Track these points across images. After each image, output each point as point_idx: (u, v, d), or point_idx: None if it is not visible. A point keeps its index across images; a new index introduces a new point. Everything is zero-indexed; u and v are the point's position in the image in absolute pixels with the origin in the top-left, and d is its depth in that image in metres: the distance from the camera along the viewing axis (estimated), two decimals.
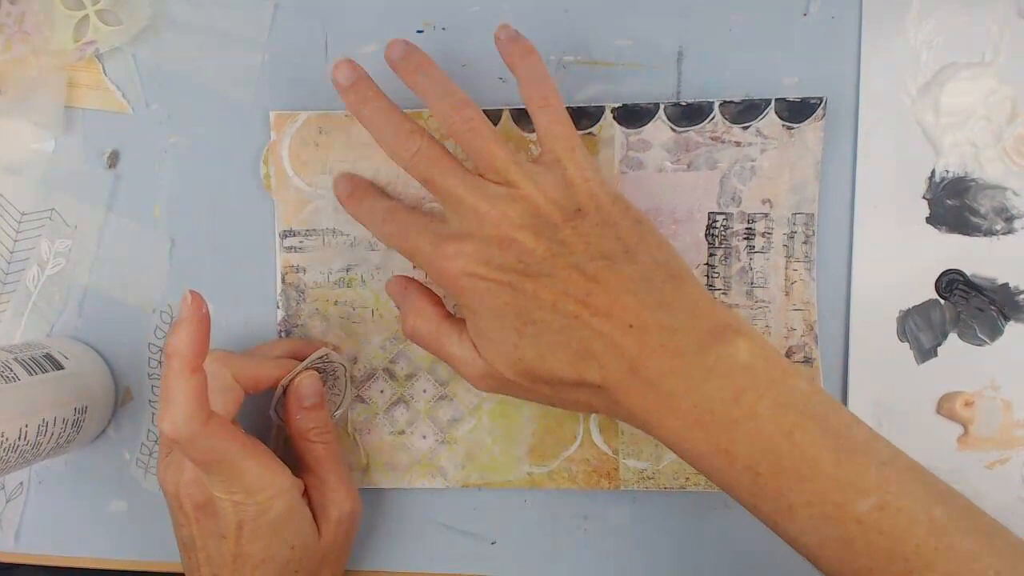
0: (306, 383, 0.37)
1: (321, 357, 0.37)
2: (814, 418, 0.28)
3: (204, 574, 0.35)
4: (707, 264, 0.39)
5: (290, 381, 0.37)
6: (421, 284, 0.37)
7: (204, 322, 0.31)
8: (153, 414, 0.42)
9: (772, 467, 0.27)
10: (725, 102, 0.38)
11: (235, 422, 0.35)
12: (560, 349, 0.30)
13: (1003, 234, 0.38)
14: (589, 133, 0.38)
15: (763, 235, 0.38)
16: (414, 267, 0.39)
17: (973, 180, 0.38)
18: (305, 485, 0.36)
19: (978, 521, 0.27)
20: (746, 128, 0.38)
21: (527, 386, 0.32)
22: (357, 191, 0.38)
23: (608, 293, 0.29)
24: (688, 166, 0.38)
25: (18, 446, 0.35)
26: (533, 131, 0.38)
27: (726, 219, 0.38)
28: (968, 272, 0.38)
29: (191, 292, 0.31)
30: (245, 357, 0.37)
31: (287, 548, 0.34)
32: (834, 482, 0.27)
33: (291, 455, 0.38)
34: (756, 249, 0.38)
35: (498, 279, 0.30)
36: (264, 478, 0.34)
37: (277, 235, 0.40)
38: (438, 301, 0.36)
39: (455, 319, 0.35)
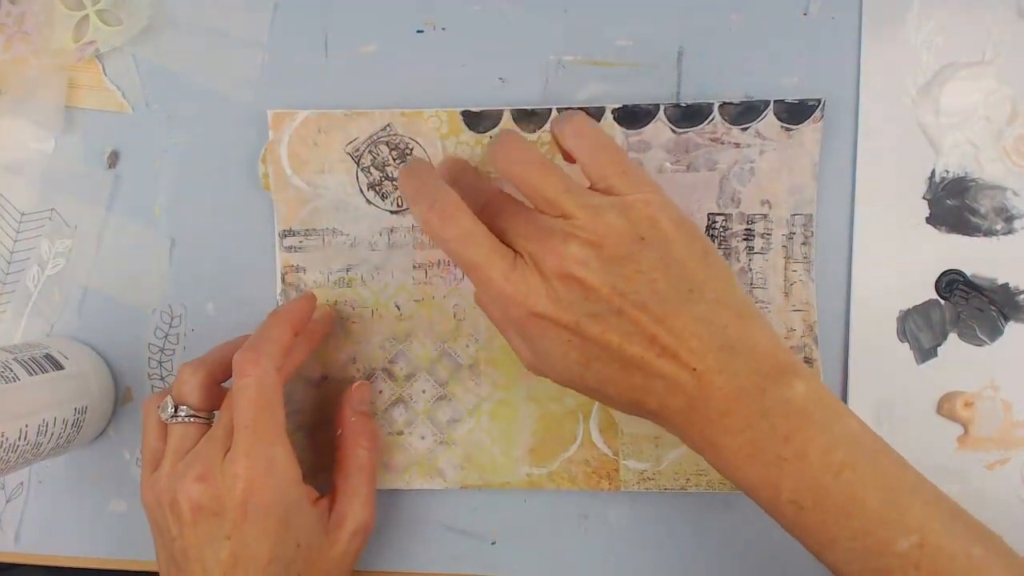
0: (360, 390, 0.38)
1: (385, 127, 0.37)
2: (863, 458, 0.29)
3: None
4: None
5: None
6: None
7: (312, 305, 0.38)
8: None
9: (817, 503, 0.28)
10: (724, 103, 0.38)
11: None
12: (622, 382, 0.30)
13: (1003, 234, 0.38)
14: None
15: (762, 236, 0.38)
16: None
17: (973, 180, 0.38)
18: (335, 489, 0.37)
19: (1014, 562, 0.28)
20: (745, 129, 0.38)
21: (578, 391, 0.32)
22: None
23: (674, 335, 0.29)
24: (688, 167, 0.38)
25: (18, 446, 0.35)
26: (535, 131, 0.38)
27: (725, 220, 0.38)
28: (968, 272, 0.38)
29: (310, 291, 0.40)
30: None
31: (293, 546, 0.34)
32: (878, 520, 0.28)
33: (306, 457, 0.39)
34: (755, 250, 0.38)
35: (565, 322, 0.30)
36: (287, 461, 0.34)
37: (277, 235, 0.40)
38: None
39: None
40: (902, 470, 0.29)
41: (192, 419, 0.35)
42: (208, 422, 0.36)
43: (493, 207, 0.32)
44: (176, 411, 0.35)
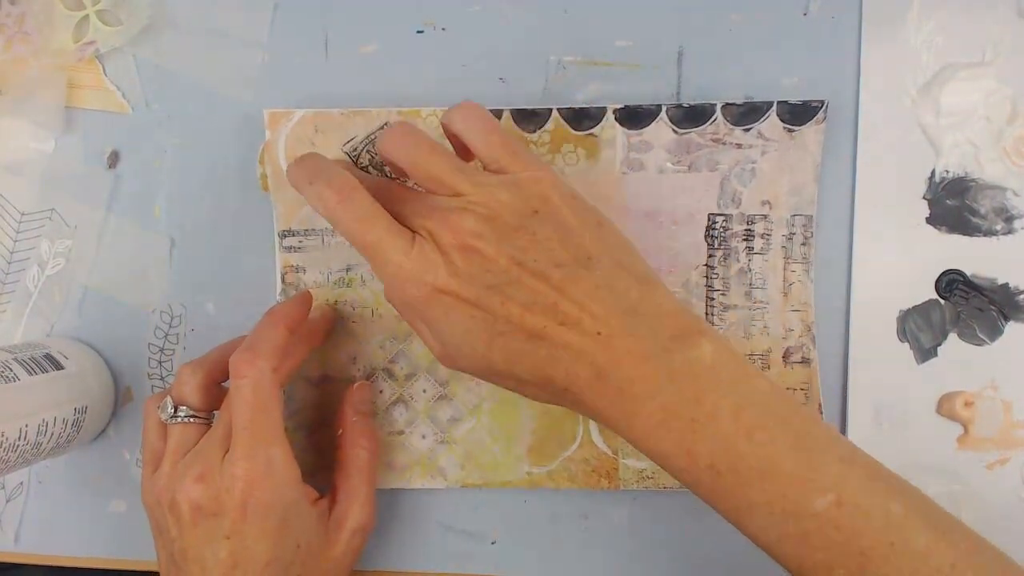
0: (361, 391, 0.39)
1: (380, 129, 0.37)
2: (774, 417, 0.29)
3: None
4: (706, 265, 0.39)
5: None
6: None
7: (307, 305, 0.37)
8: None
9: (732, 466, 0.28)
10: (727, 104, 0.38)
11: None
12: (528, 357, 0.30)
13: (1003, 234, 0.38)
14: (590, 134, 0.38)
15: (762, 236, 0.38)
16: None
17: (973, 180, 0.38)
18: (335, 489, 0.37)
19: (935, 517, 0.28)
20: (747, 130, 0.38)
21: (491, 380, 0.32)
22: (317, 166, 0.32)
23: (575, 302, 0.29)
24: (689, 167, 0.38)
25: (18, 446, 0.35)
26: (535, 131, 0.38)
27: (726, 220, 0.38)
28: (968, 272, 0.38)
29: (307, 290, 0.39)
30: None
31: (293, 547, 0.34)
32: (793, 480, 0.28)
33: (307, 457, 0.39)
34: (755, 250, 0.38)
35: (466, 296, 0.29)
36: (286, 461, 0.34)
37: (276, 235, 0.40)
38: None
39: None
40: (814, 427, 0.29)
41: (192, 419, 0.35)
42: (208, 422, 0.36)
43: (385, 193, 0.32)
44: (176, 411, 0.35)
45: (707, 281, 0.39)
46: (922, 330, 0.38)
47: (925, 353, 0.38)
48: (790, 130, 0.38)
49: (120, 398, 0.42)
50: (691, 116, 0.38)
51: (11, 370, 0.36)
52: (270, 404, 0.34)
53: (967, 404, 0.38)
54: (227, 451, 0.33)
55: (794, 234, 0.38)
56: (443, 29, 0.40)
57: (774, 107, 0.37)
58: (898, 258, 0.38)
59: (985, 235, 0.38)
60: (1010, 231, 0.38)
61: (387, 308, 0.40)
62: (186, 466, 0.34)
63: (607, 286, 0.30)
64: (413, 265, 0.30)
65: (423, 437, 0.40)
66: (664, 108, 0.38)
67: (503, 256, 0.29)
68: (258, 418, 0.33)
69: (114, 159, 0.41)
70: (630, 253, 0.31)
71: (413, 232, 0.31)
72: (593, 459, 0.39)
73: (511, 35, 0.39)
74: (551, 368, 0.30)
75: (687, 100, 0.38)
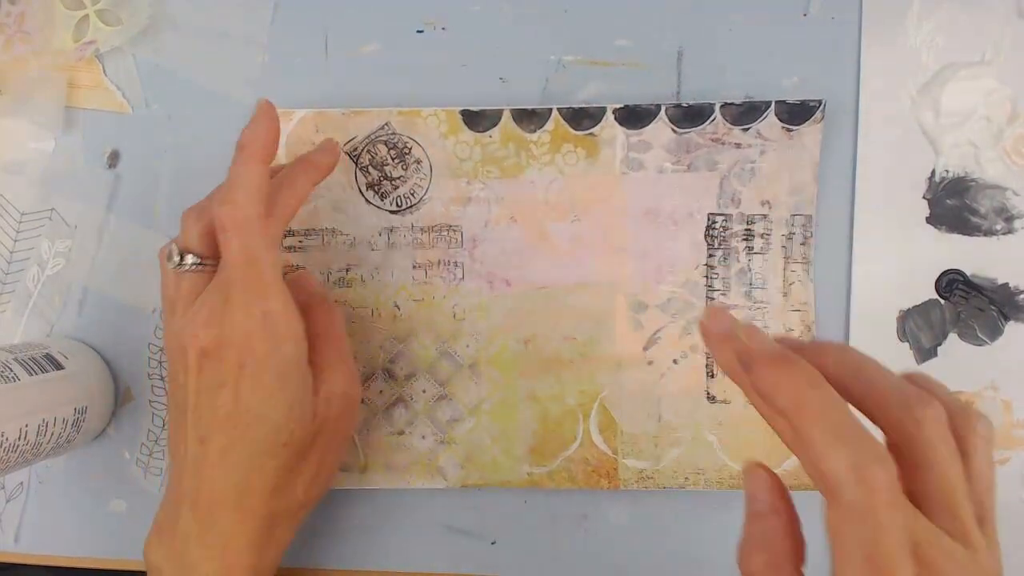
0: (305, 275, 0.37)
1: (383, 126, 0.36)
2: None
3: (190, 438, 0.32)
4: (706, 265, 0.39)
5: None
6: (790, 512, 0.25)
7: (275, 122, 0.33)
8: (153, 415, 0.42)
9: None
10: (726, 104, 0.38)
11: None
12: None
13: (1003, 234, 0.38)
14: (590, 133, 0.38)
15: (762, 236, 0.38)
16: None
17: (973, 180, 0.38)
18: (314, 367, 0.34)
19: None
20: (746, 130, 0.38)
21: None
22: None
23: None
24: (688, 167, 0.38)
25: (18, 446, 0.35)
26: (535, 131, 0.38)
27: (725, 220, 0.38)
28: (968, 272, 0.38)
29: (265, 99, 0.34)
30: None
31: (285, 407, 0.32)
32: None
33: None
34: (755, 250, 0.38)
35: None
36: (287, 312, 0.32)
37: None
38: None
39: None
40: None
41: (198, 266, 0.34)
42: (215, 267, 0.34)
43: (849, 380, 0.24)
44: (182, 259, 0.33)
45: (707, 281, 0.39)
46: (922, 330, 0.38)
47: (925, 353, 0.38)
48: (788, 129, 0.38)
49: (120, 398, 0.42)
50: (690, 116, 0.38)
51: (11, 370, 0.36)
52: (261, 255, 0.31)
53: None
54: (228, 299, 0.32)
55: (794, 234, 0.38)
56: (443, 29, 0.40)
57: (772, 107, 0.38)
58: (898, 258, 0.38)
59: (985, 235, 0.38)
60: (1010, 231, 0.38)
61: (387, 308, 0.40)
62: (194, 312, 0.32)
63: None
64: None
65: (423, 437, 0.40)
66: (663, 108, 0.38)
67: None
68: (249, 273, 0.31)
69: (114, 159, 0.41)
70: None
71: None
72: (593, 459, 0.39)
73: (511, 35, 0.39)
74: None
75: (687, 100, 0.38)
